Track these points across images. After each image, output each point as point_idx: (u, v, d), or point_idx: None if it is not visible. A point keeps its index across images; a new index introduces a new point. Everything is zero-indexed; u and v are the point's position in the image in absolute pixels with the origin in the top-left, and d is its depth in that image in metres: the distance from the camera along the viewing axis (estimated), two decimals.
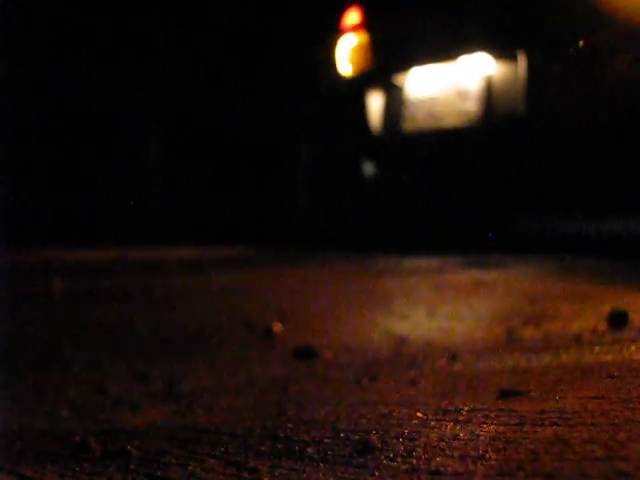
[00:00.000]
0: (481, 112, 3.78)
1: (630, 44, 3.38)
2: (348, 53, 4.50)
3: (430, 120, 4.03)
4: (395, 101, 4.22)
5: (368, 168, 4.51)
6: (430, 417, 1.16)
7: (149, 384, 1.77)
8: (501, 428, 1.05)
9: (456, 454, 0.97)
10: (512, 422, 1.07)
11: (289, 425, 1.23)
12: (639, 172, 3.44)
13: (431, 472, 0.93)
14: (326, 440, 1.11)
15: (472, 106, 3.82)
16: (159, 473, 1.06)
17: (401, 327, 2.28)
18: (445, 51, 3.96)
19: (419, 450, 1.01)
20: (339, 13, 4.57)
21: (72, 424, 1.45)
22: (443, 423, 1.12)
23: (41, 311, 2.76)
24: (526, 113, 3.61)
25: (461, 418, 1.13)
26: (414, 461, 0.97)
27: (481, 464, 0.92)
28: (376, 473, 0.96)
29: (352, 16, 4.50)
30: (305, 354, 1.92)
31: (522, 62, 3.59)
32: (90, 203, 8.88)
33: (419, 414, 1.18)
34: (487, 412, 1.14)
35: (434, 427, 1.10)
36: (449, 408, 1.20)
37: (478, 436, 1.03)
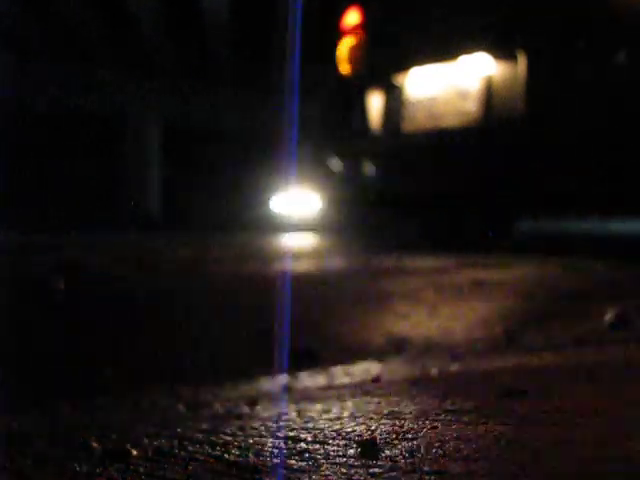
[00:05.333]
0: (481, 112, 3.78)
1: (630, 43, 3.38)
2: (348, 53, 4.50)
3: (430, 120, 4.03)
4: (395, 101, 4.22)
5: (368, 168, 4.51)
6: (430, 417, 1.16)
7: (150, 384, 1.77)
8: (501, 428, 1.05)
9: (457, 454, 0.97)
10: (512, 422, 1.07)
11: (290, 424, 1.23)
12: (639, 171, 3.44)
13: (432, 472, 0.93)
14: (326, 440, 1.11)
15: (472, 106, 3.82)
16: (159, 473, 1.06)
17: (401, 327, 2.28)
18: (445, 51, 3.96)
19: (420, 450, 1.01)
20: (339, 13, 4.58)
21: (72, 424, 1.45)
22: (443, 423, 1.12)
23: (42, 310, 2.76)
24: (526, 113, 3.61)
25: (461, 418, 1.13)
26: (415, 461, 0.98)
27: (481, 464, 0.92)
28: (376, 473, 0.96)
29: (352, 16, 4.50)
30: (305, 354, 1.92)
31: (522, 62, 3.60)
32: (88, 202, 8.87)
33: (419, 414, 1.18)
34: (487, 412, 1.14)
35: (434, 427, 1.10)
36: (449, 408, 1.20)
37: (478, 436, 1.03)
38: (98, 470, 1.04)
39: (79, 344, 2.18)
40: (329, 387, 1.64)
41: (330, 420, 1.24)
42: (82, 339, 2.23)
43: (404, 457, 0.99)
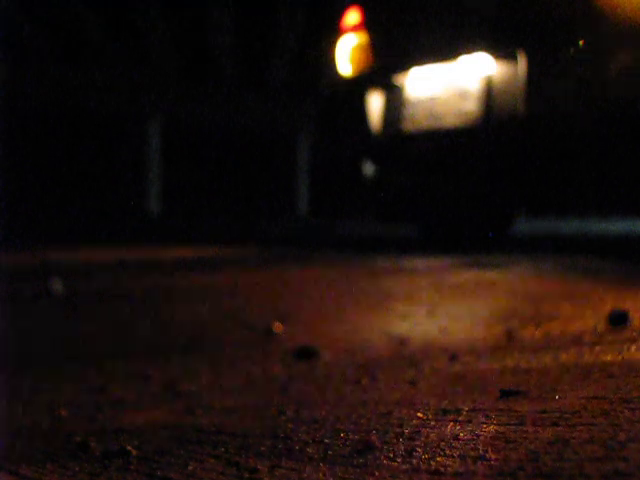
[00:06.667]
0: (481, 112, 3.78)
1: (629, 43, 3.38)
2: (348, 53, 4.50)
3: (430, 120, 4.03)
4: (395, 101, 4.22)
5: (368, 168, 4.51)
6: (430, 417, 1.16)
7: (149, 384, 1.76)
8: (501, 428, 1.05)
9: (456, 454, 0.97)
10: (512, 422, 1.07)
11: (289, 425, 1.23)
12: (639, 172, 3.44)
13: (431, 472, 0.93)
14: (326, 440, 1.11)
15: (472, 106, 3.82)
16: (159, 473, 1.06)
17: (401, 327, 2.28)
18: (445, 51, 3.96)
19: (419, 450, 1.01)
20: (339, 13, 4.58)
21: (72, 424, 1.45)
22: (443, 423, 1.12)
23: (41, 311, 2.76)
24: (526, 113, 3.62)
25: (461, 418, 1.13)
26: (414, 461, 0.97)
27: (481, 464, 0.92)
28: (376, 473, 0.96)
29: (352, 16, 4.50)
30: (305, 354, 1.92)
31: (522, 62, 3.60)
32: (89, 203, 8.88)
33: (419, 414, 1.18)
34: (487, 412, 1.14)
35: (434, 427, 1.10)
36: (449, 408, 1.20)
37: (478, 436, 1.03)
38: None
39: None
40: (326, 385, 1.63)
41: (328, 419, 1.24)
42: None
43: (403, 457, 0.99)
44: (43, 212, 8.56)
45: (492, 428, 1.06)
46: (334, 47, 4.57)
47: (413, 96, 4.12)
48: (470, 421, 1.11)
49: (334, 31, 4.59)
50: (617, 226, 6.76)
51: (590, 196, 3.79)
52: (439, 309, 2.52)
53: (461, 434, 1.05)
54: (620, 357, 1.57)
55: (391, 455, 1.01)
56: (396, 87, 4.21)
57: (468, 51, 3.85)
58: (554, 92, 3.59)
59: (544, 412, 1.10)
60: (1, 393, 1.71)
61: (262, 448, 1.12)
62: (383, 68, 4.32)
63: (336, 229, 8.09)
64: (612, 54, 3.41)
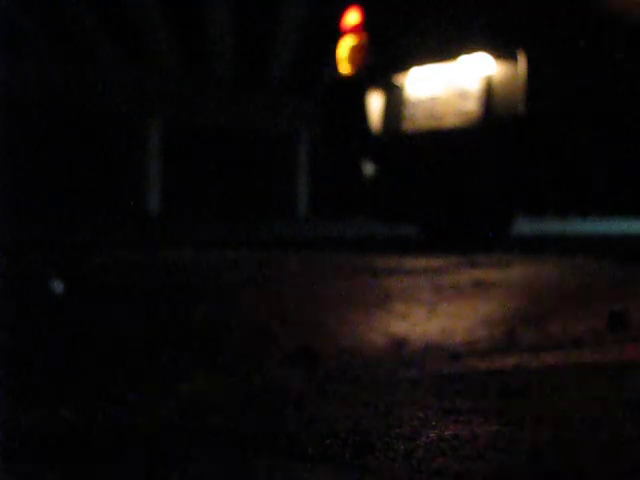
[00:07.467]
0: (481, 112, 3.78)
1: (630, 42, 3.38)
2: (348, 53, 4.50)
3: (430, 120, 4.03)
4: (395, 101, 4.22)
5: (368, 168, 4.51)
6: (430, 417, 1.16)
7: (149, 384, 1.76)
8: (501, 428, 1.05)
9: (456, 454, 0.97)
10: (512, 422, 1.07)
11: (289, 425, 1.23)
12: (639, 171, 3.44)
13: (431, 472, 0.93)
14: (326, 440, 1.11)
15: (472, 106, 3.82)
16: (160, 473, 1.06)
17: (401, 327, 2.28)
18: (445, 51, 3.97)
19: (419, 450, 1.01)
20: (339, 13, 4.58)
21: (72, 424, 1.45)
22: (443, 423, 1.12)
23: (41, 310, 2.76)
24: (526, 113, 3.62)
25: (461, 418, 1.13)
26: (414, 461, 0.97)
27: (481, 464, 0.92)
28: (376, 473, 0.96)
29: (352, 16, 4.50)
30: (305, 354, 1.92)
31: (522, 62, 3.60)
32: (87, 202, 8.88)
33: (419, 414, 1.18)
34: (487, 412, 1.14)
35: (434, 427, 1.10)
36: (449, 408, 1.20)
37: (478, 436, 1.03)
38: None
39: None
40: (326, 385, 1.63)
41: (328, 419, 1.24)
42: None
43: (403, 457, 0.99)
44: (43, 212, 8.56)
45: (492, 428, 1.06)
46: (334, 47, 4.57)
47: (413, 96, 4.12)
48: (470, 421, 1.11)
49: (334, 31, 4.59)
50: (617, 226, 6.76)
51: (590, 196, 3.79)
52: (439, 309, 2.52)
53: (461, 434, 1.05)
54: (620, 357, 1.57)
55: (391, 455, 1.01)
56: (396, 87, 4.21)
57: (468, 51, 3.85)
58: (554, 92, 3.59)
59: (544, 412, 1.10)
60: (1, 393, 1.71)
61: (262, 448, 1.12)
62: (383, 68, 4.32)
63: (336, 229, 8.09)
64: (612, 54, 3.41)
